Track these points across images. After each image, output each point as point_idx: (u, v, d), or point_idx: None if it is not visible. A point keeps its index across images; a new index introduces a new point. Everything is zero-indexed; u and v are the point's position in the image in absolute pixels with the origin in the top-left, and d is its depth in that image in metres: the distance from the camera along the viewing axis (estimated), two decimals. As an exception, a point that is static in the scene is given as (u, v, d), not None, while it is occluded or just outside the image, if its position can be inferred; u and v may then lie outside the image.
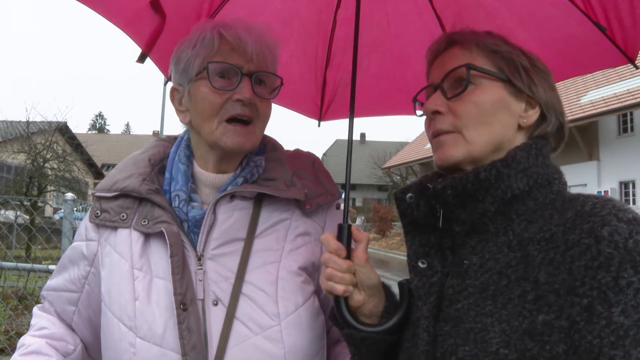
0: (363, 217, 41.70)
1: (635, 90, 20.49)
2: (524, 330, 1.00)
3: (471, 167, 1.18)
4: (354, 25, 1.97)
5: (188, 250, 1.40)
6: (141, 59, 1.70)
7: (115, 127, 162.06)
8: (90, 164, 32.71)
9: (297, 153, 1.67)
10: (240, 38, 1.43)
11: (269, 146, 1.60)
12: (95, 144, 32.44)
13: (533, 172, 1.15)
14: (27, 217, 13.11)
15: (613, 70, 22.46)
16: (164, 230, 1.38)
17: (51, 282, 1.60)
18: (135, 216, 1.46)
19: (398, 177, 48.00)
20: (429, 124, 1.27)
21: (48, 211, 30.20)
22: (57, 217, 23.20)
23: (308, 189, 1.52)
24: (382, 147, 61.41)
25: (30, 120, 22.13)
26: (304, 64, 2.15)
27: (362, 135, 72.99)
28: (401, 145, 51.31)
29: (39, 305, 1.62)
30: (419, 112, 1.38)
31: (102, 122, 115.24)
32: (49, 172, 21.20)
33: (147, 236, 1.43)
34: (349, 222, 1.39)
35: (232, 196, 1.46)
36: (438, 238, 1.23)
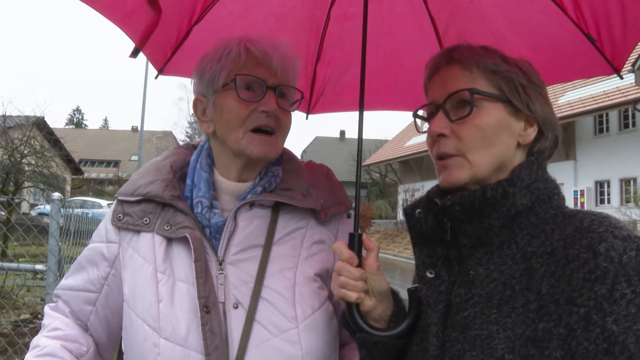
0: (343, 215, 41.57)
1: (611, 92, 20.88)
2: (527, 337, 1.07)
3: (476, 186, 1.24)
4: (348, 22, 2.05)
5: (209, 255, 1.45)
6: (134, 54, 1.73)
7: (92, 122, 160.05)
8: (68, 159, 32.23)
9: (311, 165, 1.73)
10: (267, 53, 1.49)
11: (285, 157, 1.65)
12: (73, 139, 31.92)
13: (535, 187, 1.22)
14: (3, 213, 12.89)
15: (590, 71, 22.82)
16: (187, 236, 1.43)
17: (67, 281, 1.62)
18: (158, 221, 1.50)
19: (377, 175, 48.12)
20: (432, 144, 1.32)
21: (24, 207, 29.72)
22: (33, 213, 22.85)
23: (324, 199, 1.58)
24: (362, 144, 61.08)
25: (7, 114, 21.72)
26: (295, 57, 2.19)
27: (342, 133, 72.72)
28: (381, 143, 51.34)
29: (51, 304, 1.64)
30: (420, 127, 1.45)
31: (80, 117, 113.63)
32: (27, 168, 20.82)
33: (170, 241, 1.48)
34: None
35: (252, 204, 1.52)
36: (445, 250, 1.29)
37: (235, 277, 1.44)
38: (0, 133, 20.85)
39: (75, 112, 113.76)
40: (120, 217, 1.54)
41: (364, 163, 43.21)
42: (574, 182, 23.86)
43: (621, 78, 1.90)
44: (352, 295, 1.33)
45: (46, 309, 1.63)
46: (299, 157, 1.74)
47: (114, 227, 1.55)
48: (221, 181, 1.56)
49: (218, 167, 1.58)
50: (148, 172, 1.58)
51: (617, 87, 20.95)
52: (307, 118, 2.46)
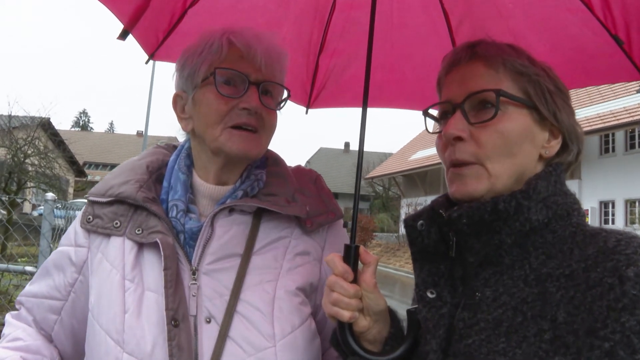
0: (345, 228, 41.60)
1: (618, 112, 20.80)
2: None
3: (490, 196, 1.12)
4: (355, 12, 1.95)
5: (182, 264, 1.34)
6: (123, 36, 1.63)
7: (98, 126, 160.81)
8: (72, 161, 32.29)
9: (299, 170, 1.62)
10: (250, 46, 1.39)
11: (271, 160, 1.54)
12: (78, 141, 31.99)
13: (552, 201, 1.09)
14: (4, 212, 12.84)
15: (597, 90, 22.80)
16: (158, 241, 1.31)
17: (31, 287, 1.50)
18: (129, 224, 1.39)
19: (380, 188, 48.07)
20: (444, 148, 1.20)
21: (27, 207, 29.73)
22: (35, 214, 22.85)
23: (310, 206, 1.47)
24: (366, 157, 60.98)
25: (13, 114, 21.80)
26: (296, 47, 2.08)
27: (347, 145, 72.94)
28: (385, 156, 51.47)
29: (14, 312, 1.52)
30: (430, 127, 1.29)
31: (86, 120, 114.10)
32: (30, 168, 20.87)
33: (141, 246, 1.37)
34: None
35: (231, 210, 1.41)
36: (449, 267, 1.17)
37: (210, 288, 1.32)
38: (4, 133, 20.99)
39: (82, 115, 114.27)
40: (90, 219, 1.43)
41: (368, 176, 43.27)
42: (578, 201, 23.73)
43: (648, 84, 1.78)
44: (345, 314, 1.20)
45: (7, 317, 1.50)
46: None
47: (83, 229, 1.45)
48: (199, 184, 1.45)
49: (197, 169, 1.47)
50: (122, 172, 1.48)
51: (624, 107, 20.88)
52: (307, 112, 2.35)
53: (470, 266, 1.14)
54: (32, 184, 21.39)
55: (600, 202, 23.58)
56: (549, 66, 1.21)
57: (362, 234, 34.27)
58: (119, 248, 1.37)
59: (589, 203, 23.38)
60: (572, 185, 23.46)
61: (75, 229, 1.47)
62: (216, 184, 1.44)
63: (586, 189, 23.77)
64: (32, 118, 22.24)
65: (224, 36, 1.40)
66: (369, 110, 1.56)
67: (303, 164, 1.61)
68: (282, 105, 1.50)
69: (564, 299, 0.97)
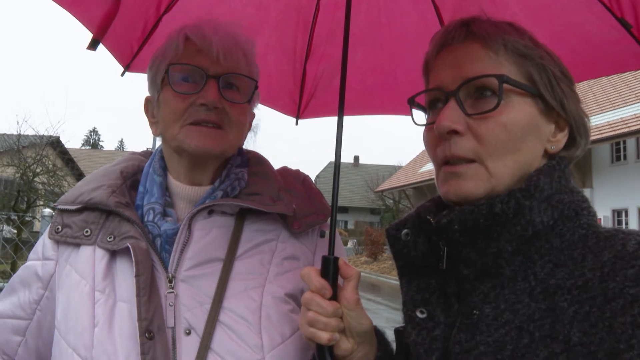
0: (355, 240, 41.45)
1: (629, 119, 20.59)
2: None
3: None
4: (340, 12, 1.79)
5: (158, 271, 1.24)
6: (92, 46, 1.53)
7: (109, 144, 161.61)
8: (81, 179, 32.46)
9: (286, 170, 1.52)
10: (205, 38, 1.30)
11: (253, 160, 1.46)
12: (87, 159, 32.16)
13: (558, 200, 0.95)
14: (15, 231, 12.86)
15: (606, 98, 22.63)
16: (130, 246, 1.22)
17: None
18: (101, 232, 1.30)
19: (391, 201, 47.87)
20: (436, 142, 1.04)
21: (37, 226, 29.86)
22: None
23: (297, 205, 1.36)
24: (376, 171, 61.41)
25: (22, 133, 21.96)
26: (281, 54, 1.98)
27: (356, 158, 73.14)
28: (394, 169, 51.34)
29: None
30: (418, 119, 1.13)
31: (96, 138, 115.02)
32: (39, 187, 20.99)
33: (114, 254, 1.27)
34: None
35: (211, 211, 1.31)
36: (441, 282, 1.03)
37: (189, 296, 1.21)
38: (14, 152, 21.17)
39: (92, 134, 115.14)
40: (58, 229, 1.33)
41: (378, 189, 43.18)
42: (590, 210, 23.59)
43: (663, 72, 1.64)
44: (324, 336, 1.07)
45: None
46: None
47: (51, 241, 1.34)
48: (175, 185, 1.36)
49: (171, 171, 1.39)
50: (94, 178, 1.39)
51: (634, 115, 20.67)
52: (297, 123, 2.22)
53: (465, 280, 0.99)
54: (41, 202, 21.48)
55: (613, 211, 23.32)
56: (556, 54, 1.07)
57: (372, 247, 34.19)
58: (89, 257, 1.27)
59: (602, 212, 23.13)
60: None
61: (43, 241, 1.39)
62: (190, 184, 1.36)
63: (598, 198, 23.53)
64: (41, 137, 22.38)
65: (182, 32, 1.33)
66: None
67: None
68: (254, 98, 1.40)
69: (578, 315, 0.83)
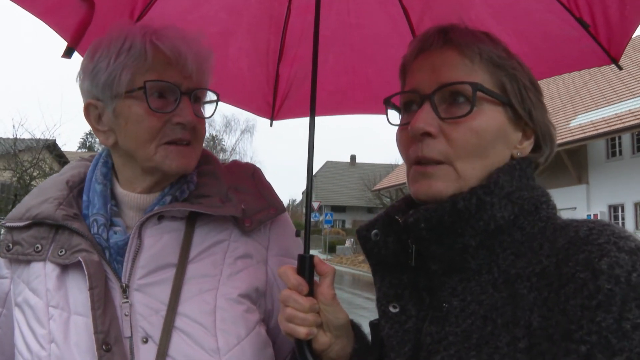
0: (352, 239, 41.50)
1: (624, 115, 20.62)
2: None
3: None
4: (311, 14, 1.83)
5: (112, 282, 1.24)
6: (67, 54, 1.51)
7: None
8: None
9: (235, 165, 1.51)
10: (180, 52, 1.26)
11: (202, 159, 1.41)
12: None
13: (518, 196, 0.99)
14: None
15: (601, 94, 22.69)
16: (81, 260, 1.20)
17: None
18: (52, 247, 1.27)
19: (388, 199, 47.91)
20: (409, 143, 1.07)
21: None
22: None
23: (246, 204, 1.35)
24: (372, 169, 61.28)
25: (18, 137, 21.97)
26: (253, 57, 2.00)
27: (352, 157, 72.92)
28: (391, 168, 51.23)
29: None
30: (392, 119, 1.17)
31: (92, 141, 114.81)
32: (35, 190, 21.05)
33: (65, 268, 1.25)
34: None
35: (161, 217, 1.29)
36: (412, 278, 1.06)
37: (144, 305, 1.22)
38: (10, 156, 21.17)
39: (88, 136, 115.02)
40: (9, 247, 1.31)
41: (375, 188, 43.18)
42: (586, 206, 23.50)
43: (620, 68, 1.68)
44: (302, 331, 1.11)
45: None
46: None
47: (4, 259, 1.33)
48: (123, 194, 1.33)
49: (121, 181, 1.35)
50: (41, 191, 1.36)
51: (629, 110, 20.69)
52: (271, 125, 2.25)
53: (434, 275, 1.03)
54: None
55: (609, 206, 23.34)
56: (523, 61, 1.11)
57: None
58: (40, 273, 1.26)
59: (598, 207, 23.17)
60: (580, 190, 23.45)
61: None
62: (144, 193, 1.34)
63: (594, 194, 23.58)
64: (38, 140, 22.40)
65: (146, 38, 1.26)
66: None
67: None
68: (213, 112, 1.41)
69: (538, 301, 0.87)
